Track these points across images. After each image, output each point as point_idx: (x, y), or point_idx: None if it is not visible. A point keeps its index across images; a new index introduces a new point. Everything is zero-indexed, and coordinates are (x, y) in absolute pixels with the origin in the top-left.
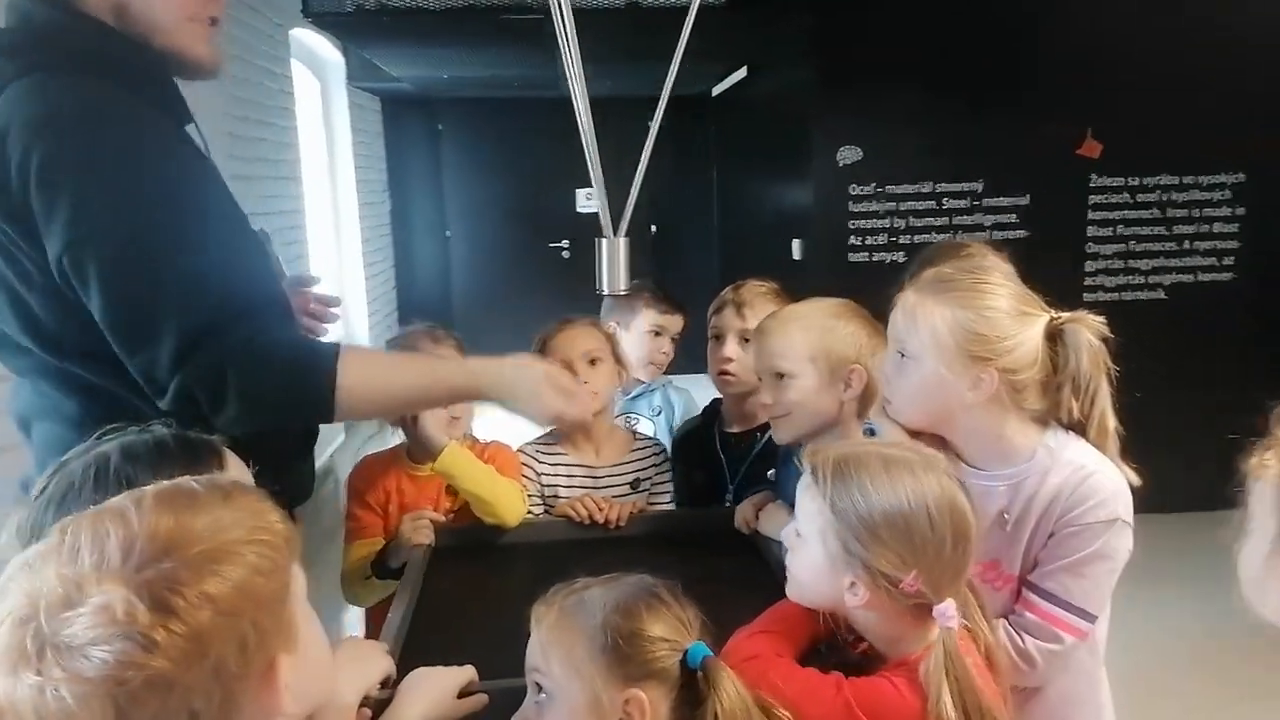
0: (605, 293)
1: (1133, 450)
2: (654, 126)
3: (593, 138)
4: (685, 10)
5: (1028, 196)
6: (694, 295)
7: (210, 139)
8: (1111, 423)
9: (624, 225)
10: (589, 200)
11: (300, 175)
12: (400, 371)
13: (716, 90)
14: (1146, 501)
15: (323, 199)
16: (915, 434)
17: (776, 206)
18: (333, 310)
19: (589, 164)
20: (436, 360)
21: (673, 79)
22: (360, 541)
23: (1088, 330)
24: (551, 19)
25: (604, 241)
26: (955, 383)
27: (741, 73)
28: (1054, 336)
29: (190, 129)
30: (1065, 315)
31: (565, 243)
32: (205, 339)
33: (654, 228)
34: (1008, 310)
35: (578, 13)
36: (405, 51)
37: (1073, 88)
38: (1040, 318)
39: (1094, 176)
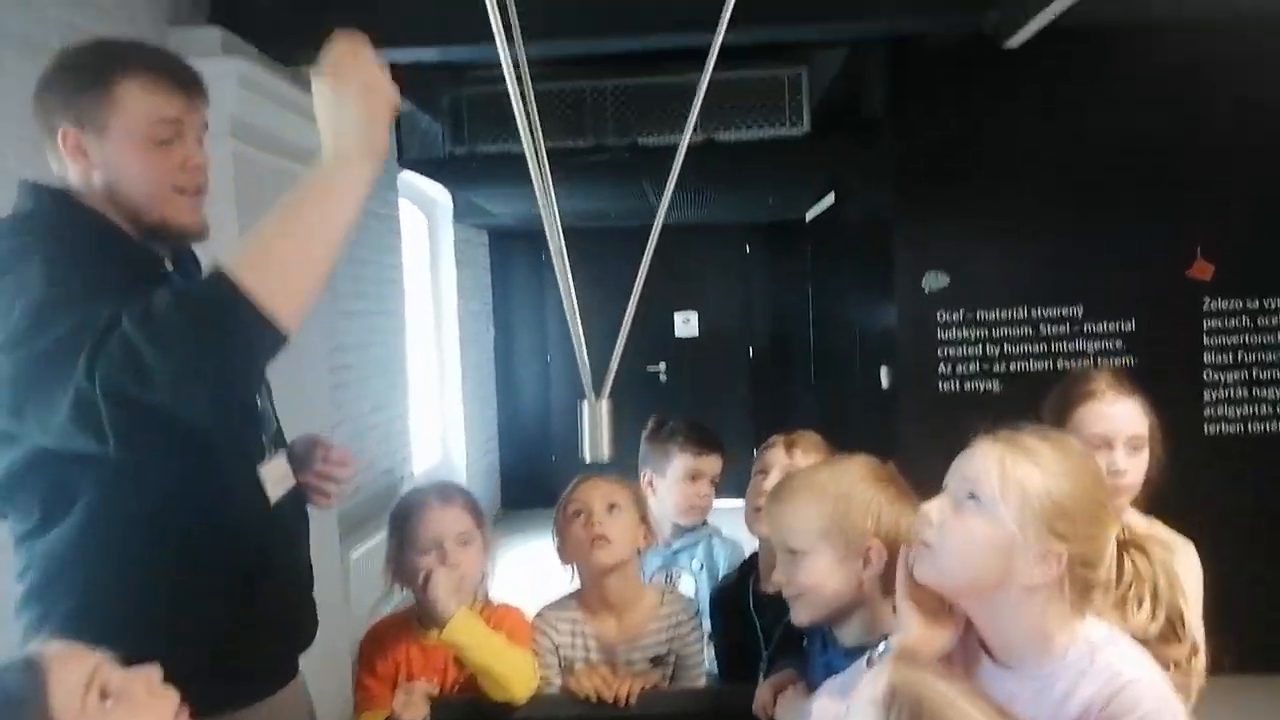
0: (587, 460)
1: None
2: (644, 264)
3: (570, 290)
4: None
5: (1133, 321)
6: (789, 422)
7: None
8: (1191, 635)
9: (607, 387)
10: (686, 324)
11: (403, 310)
12: (283, 223)
13: (810, 215)
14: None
15: (426, 331)
16: (933, 607)
17: (866, 332)
18: (345, 469)
19: (568, 315)
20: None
21: (664, 208)
22: (368, 713)
23: (1160, 548)
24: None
25: (584, 405)
26: (1023, 551)
27: (830, 198)
28: (1123, 547)
29: None
30: (1133, 532)
31: (662, 365)
32: (95, 355)
33: (750, 350)
34: (1099, 500)
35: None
36: (501, 191)
37: (1177, 202)
38: (1114, 523)
39: (1207, 299)
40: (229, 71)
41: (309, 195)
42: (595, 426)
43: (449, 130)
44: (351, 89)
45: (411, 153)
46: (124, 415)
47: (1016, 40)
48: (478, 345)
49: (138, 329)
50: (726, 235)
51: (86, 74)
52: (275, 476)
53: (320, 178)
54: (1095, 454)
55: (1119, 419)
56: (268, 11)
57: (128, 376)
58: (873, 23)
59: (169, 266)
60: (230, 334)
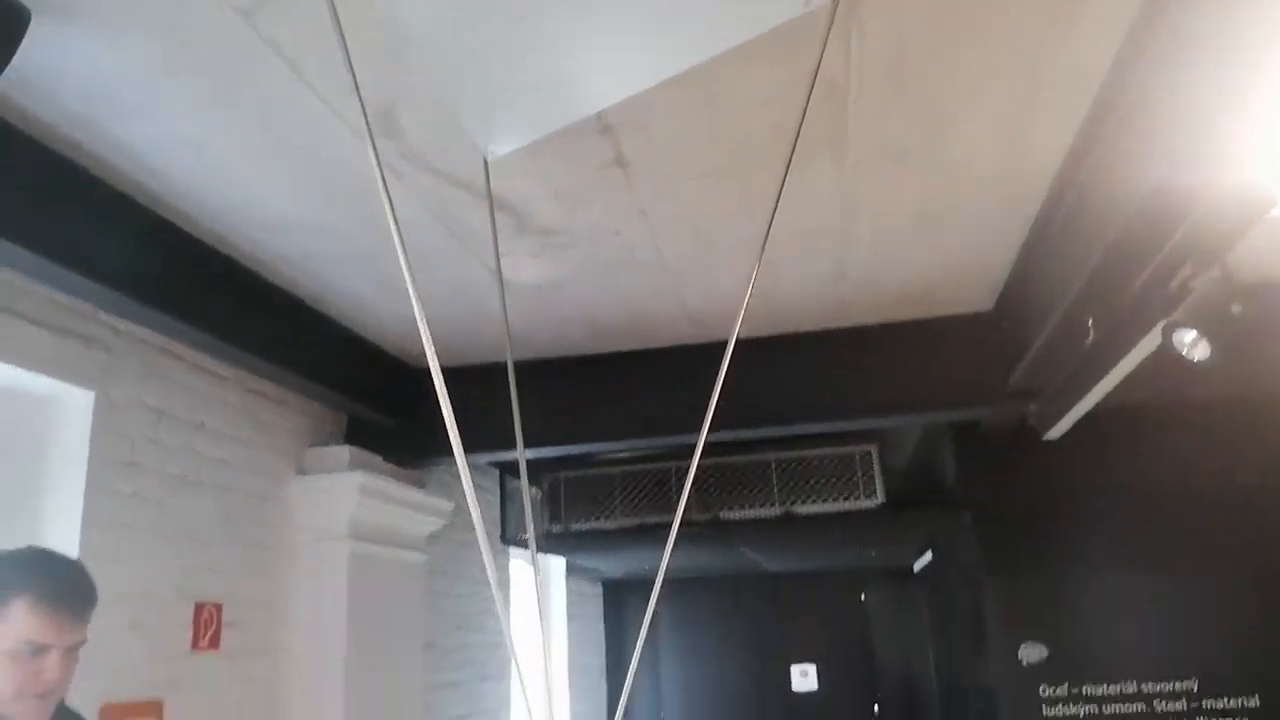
0: None
1: None
2: (647, 617)
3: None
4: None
5: (1257, 697)
6: None
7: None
8: None
9: None
10: (804, 677)
11: (509, 673)
12: None
13: (916, 566)
14: None
15: (535, 690)
16: None
17: (977, 703)
18: None
19: None
20: None
21: (656, 596)
22: None
23: None
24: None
25: None
26: None
27: (930, 554)
28: None
29: None
30: None
31: None
32: None
33: (876, 706)
34: None
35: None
36: (602, 556)
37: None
38: None
39: None
40: (352, 484)
41: None
42: None
43: (547, 510)
44: None
45: (512, 532)
46: None
47: (1055, 432)
48: (590, 699)
49: None
50: (842, 582)
51: None
52: None
53: None
54: None
55: None
56: (389, 431)
57: None
58: (927, 414)
59: None
60: None
